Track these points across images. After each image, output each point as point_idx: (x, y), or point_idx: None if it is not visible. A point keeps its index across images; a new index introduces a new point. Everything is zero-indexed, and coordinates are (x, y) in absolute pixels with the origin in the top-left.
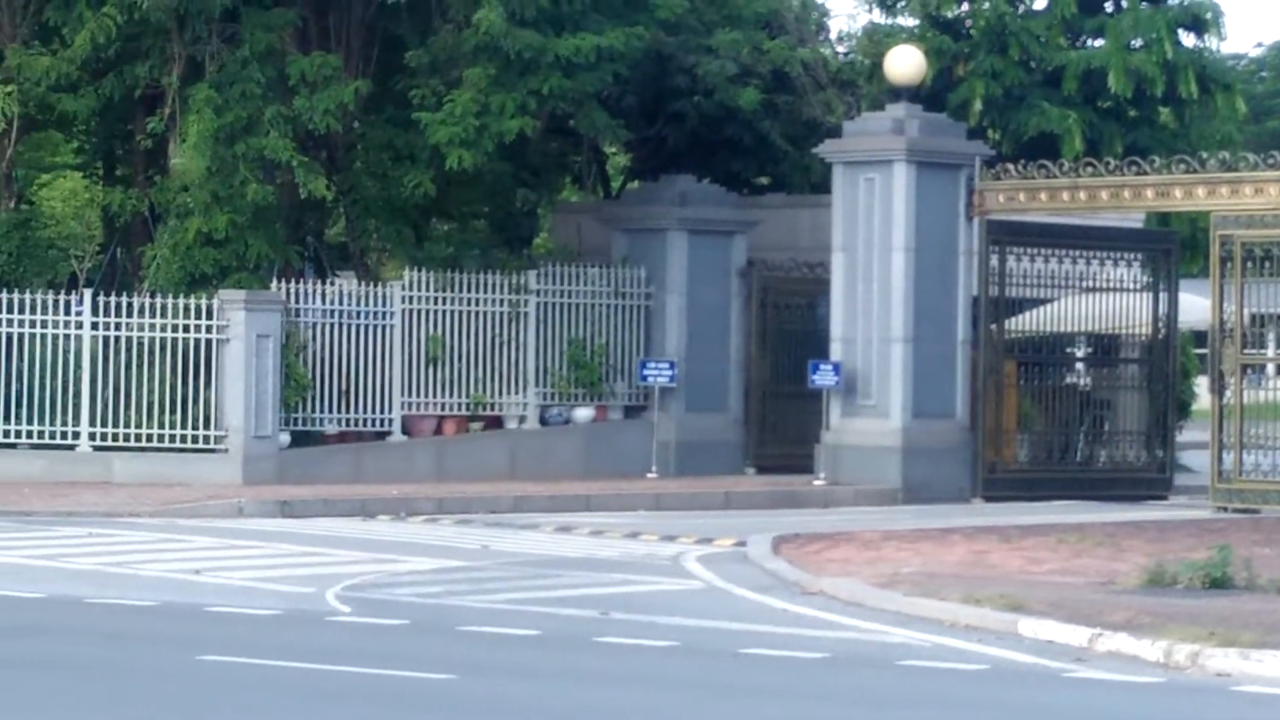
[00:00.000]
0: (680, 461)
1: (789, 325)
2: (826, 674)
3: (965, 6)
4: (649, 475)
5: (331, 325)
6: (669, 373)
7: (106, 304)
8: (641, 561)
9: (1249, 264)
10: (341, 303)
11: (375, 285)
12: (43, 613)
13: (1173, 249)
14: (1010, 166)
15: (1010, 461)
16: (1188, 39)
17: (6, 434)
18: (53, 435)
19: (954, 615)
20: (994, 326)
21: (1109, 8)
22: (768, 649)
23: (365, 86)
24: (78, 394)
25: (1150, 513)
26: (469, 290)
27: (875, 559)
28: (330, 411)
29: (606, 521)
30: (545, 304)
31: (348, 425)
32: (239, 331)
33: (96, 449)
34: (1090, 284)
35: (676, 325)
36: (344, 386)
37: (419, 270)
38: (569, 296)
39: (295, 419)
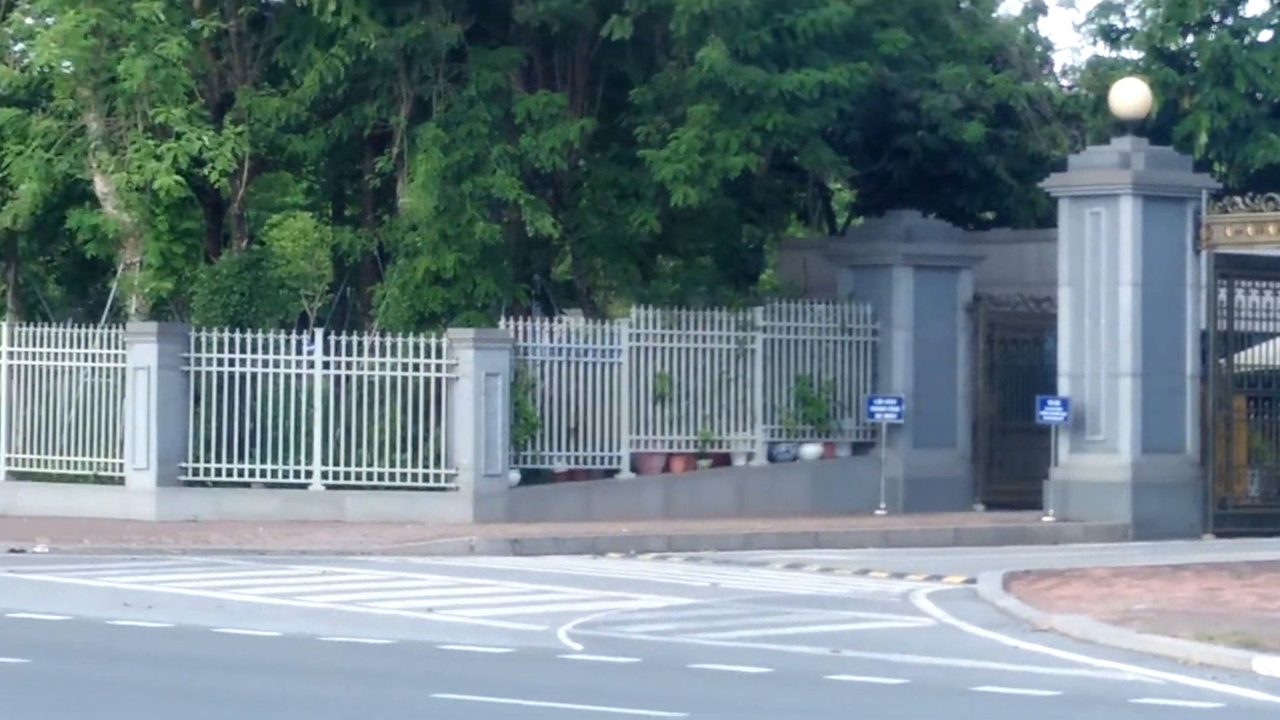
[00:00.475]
0: (908, 498)
1: (1016, 360)
2: (1059, 712)
3: (1190, 39)
4: (877, 512)
5: (559, 363)
6: (896, 409)
7: (337, 343)
8: (871, 598)
9: None
10: (569, 340)
11: (602, 323)
12: (279, 651)
13: None
14: (1238, 199)
15: (1241, 497)
16: None
17: (241, 473)
18: (286, 474)
19: (1187, 653)
20: (1223, 360)
21: None
22: (999, 687)
23: (590, 124)
24: (310, 433)
25: None
26: (696, 327)
27: (1106, 595)
28: (559, 449)
29: (835, 558)
30: (772, 340)
31: (576, 463)
32: (468, 370)
33: (329, 488)
34: None
35: (903, 361)
36: (572, 424)
37: (646, 308)
38: (796, 333)
39: (524, 457)
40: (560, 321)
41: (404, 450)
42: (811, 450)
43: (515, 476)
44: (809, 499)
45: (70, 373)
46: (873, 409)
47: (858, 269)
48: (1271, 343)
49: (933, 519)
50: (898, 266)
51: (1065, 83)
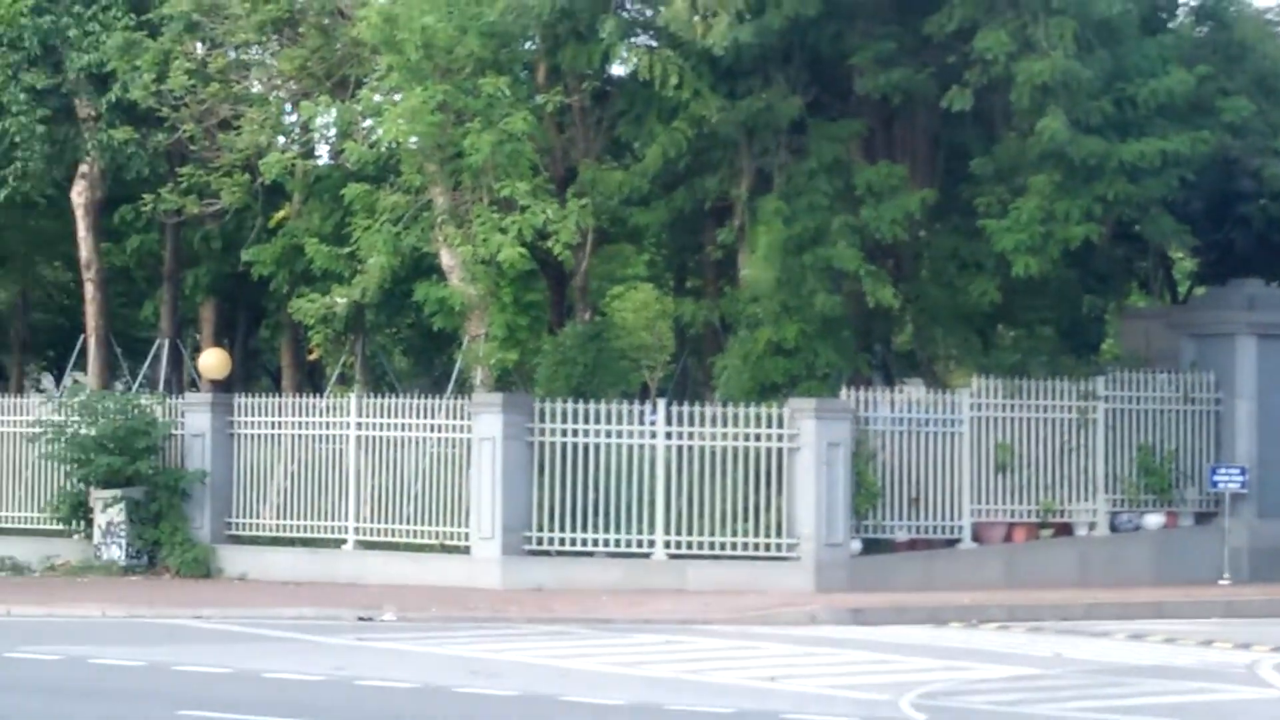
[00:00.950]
0: (1253, 568)
1: None
2: None
3: None
4: (1221, 582)
5: (900, 433)
6: (1239, 478)
7: (679, 413)
8: (1216, 669)
9: None
10: (910, 410)
11: (943, 393)
12: (622, 719)
13: None
14: None
15: None
16: None
17: (584, 542)
18: (628, 543)
19: None
20: None
21: None
22: None
23: (931, 195)
24: (652, 502)
25: None
26: (1037, 397)
27: None
28: (900, 519)
29: (1178, 629)
30: (1114, 410)
31: (917, 532)
32: (809, 440)
33: (671, 557)
34: None
35: (1246, 430)
36: (913, 494)
37: (987, 377)
38: (1138, 403)
39: (865, 526)
40: (901, 391)
41: (745, 520)
42: (1154, 520)
43: (856, 546)
44: (1151, 569)
45: (417, 443)
46: (1216, 478)
47: (1200, 338)
48: None
49: (1278, 589)
50: (1241, 335)
51: None
